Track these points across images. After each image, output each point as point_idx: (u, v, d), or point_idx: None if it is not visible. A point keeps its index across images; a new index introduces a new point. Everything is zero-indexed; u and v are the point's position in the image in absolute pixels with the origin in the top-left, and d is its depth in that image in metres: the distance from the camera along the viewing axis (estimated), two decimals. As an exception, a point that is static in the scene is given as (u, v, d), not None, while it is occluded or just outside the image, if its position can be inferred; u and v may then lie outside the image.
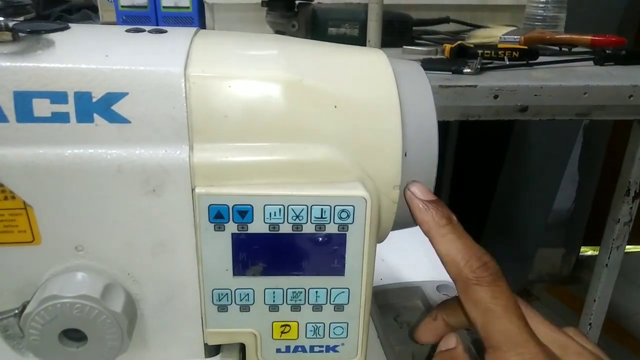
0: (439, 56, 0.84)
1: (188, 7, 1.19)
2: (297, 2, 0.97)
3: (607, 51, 0.84)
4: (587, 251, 1.90)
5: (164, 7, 1.20)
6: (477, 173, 1.54)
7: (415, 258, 0.48)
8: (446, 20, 1.08)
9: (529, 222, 1.63)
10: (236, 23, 1.17)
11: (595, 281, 0.90)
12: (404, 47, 0.88)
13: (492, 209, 1.62)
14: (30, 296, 0.24)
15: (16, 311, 0.24)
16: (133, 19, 1.20)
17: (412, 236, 0.43)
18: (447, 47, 0.82)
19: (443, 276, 0.46)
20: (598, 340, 1.00)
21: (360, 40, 0.99)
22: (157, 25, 1.22)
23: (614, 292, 0.94)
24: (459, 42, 0.84)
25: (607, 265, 0.87)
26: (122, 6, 1.19)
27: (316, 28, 0.98)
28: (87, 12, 1.34)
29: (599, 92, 0.69)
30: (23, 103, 0.22)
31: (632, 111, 0.73)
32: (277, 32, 1.01)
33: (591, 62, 0.83)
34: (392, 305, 0.44)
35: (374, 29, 0.58)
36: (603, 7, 1.24)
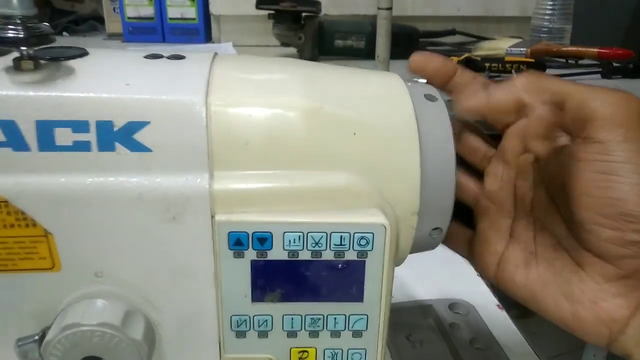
0: (446, 69, 0.84)
1: (194, 19, 1.20)
2: (303, 14, 0.98)
3: (615, 64, 0.85)
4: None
5: (170, 18, 1.21)
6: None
7: (426, 276, 0.48)
8: (452, 32, 1.09)
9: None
10: (242, 35, 1.17)
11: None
12: (411, 60, 0.88)
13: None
14: (50, 322, 0.24)
15: (36, 337, 0.24)
16: (139, 30, 1.21)
17: (424, 253, 0.43)
18: (455, 60, 0.82)
19: (454, 294, 0.46)
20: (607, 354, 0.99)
21: (366, 52, 1.00)
22: (164, 35, 1.23)
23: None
24: (466, 54, 0.85)
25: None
26: (129, 17, 1.20)
27: (323, 40, 0.99)
28: (94, 24, 1.35)
29: (607, 106, 0.69)
30: (45, 132, 0.22)
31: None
32: (284, 44, 1.01)
33: (599, 75, 0.83)
34: (404, 324, 0.44)
35: (382, 44, 0.58)
36: (608, 18, 1.24)
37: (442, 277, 0.48)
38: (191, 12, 1.19)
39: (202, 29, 1.20)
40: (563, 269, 0.26)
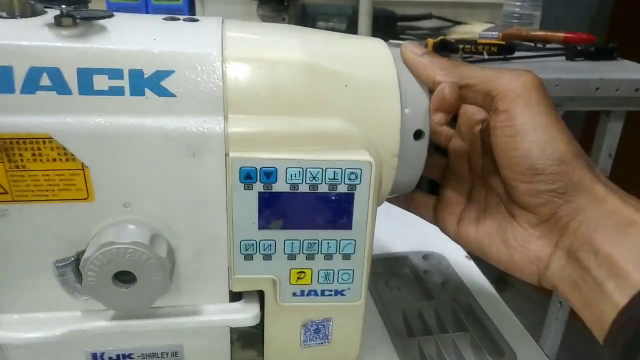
0: (422, 50, 0.89)
1: (178, 0, 1.21)
2: (287, -4, 1.01)
3: (578, 47, 0.91)
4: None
5: (154, -1, 1.22)
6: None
7: (403, 231, 0.53)
8: (429, 16, 1.13)
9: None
10: (226, 16, 1.19)
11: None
12: (390, 41, 0.93)
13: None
14: (83, 247, 0.28)
15: (72, 259, 0.28)
16: (123, 10, 1.22)
17: (399, 209, 0.48)
18: (430, 41, 0.87)
19: (428, 247, 0.52)
20: (567, 318, 1.07)
21: (347, 33, 1.04)
22: (148, 16, 1.25)
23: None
24: (441, 37, 0.89)
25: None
26: (113, -3, 1.21)
27: (305, 22, 1.02)
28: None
29: (569, 84, 0.75)
30: (85, 78, 0.25)
31: (599, 103, 0.79)
32: (268, 25, 1.05)
33: (563, 58, 0.89)
34: (383, 274, 0.49)
35: (364, 23, 0.62)
36: (576, 5, 1.30)
37: (417, 233, 0.53)
38: (175, -7, 1.21)
39: (186, 10, 1.22)
40: (502, 221, 0.31)
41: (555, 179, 0.28)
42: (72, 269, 0.28)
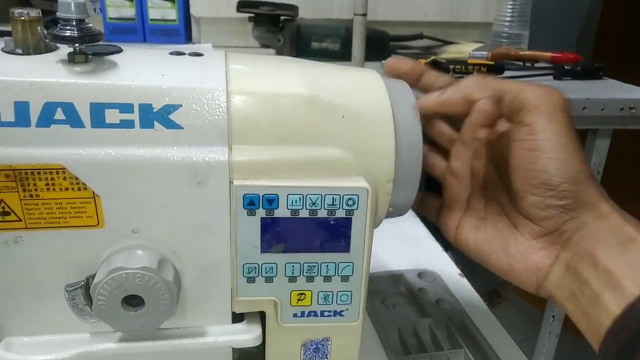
0: (414, 70, 0.91)
1: (175, 20, 1.24)
2: (282, 18, 1.03)
3: (566, 67, 0.93)
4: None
5: (151, 19, 1.25)
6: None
7: (398, 250, 0.55)
8: (420, 36, 1.16)
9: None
10: (222, 36, 1.22)
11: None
12: (383, 62, 0.95)
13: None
14: (92, 271, 0.29)
15: (82, 283, 0.29)
16: (120, 30, 1.24)
17: (395, 229, 0.49)
18: (422, 62, 0.90)
19: (422, 265, 0.53)
20: (560, 332, 1.08)
21: (340, 53, 1.06)
22: (145, 36, 1.27)
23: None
24: (433, 57, 0.92)
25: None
26: (110, 18, 1.23)
27: (300, 42, 1.05)
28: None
29: (557, 104, 0.77)
30: (97, 112, 0.27)
31: (586, 121, 0.82)
32: (263, 45, 1.07)
33: (551, 77, 0.92)
34: (378, 291, 0.50)
35: (358, 46, 0.64)
36: (562, 25, 1.34)
37: (411, 251, 0.54)
38: (172, 14, 1.23)
39: (182, 30, 1.24)
40: (503, 230, 0.33)
41: (566, 195, 0.29)
42: (82, 293, 0.29)
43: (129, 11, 1.24)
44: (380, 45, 1.08)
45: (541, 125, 0.30)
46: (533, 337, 1.20)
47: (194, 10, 1.20)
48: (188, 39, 1.26)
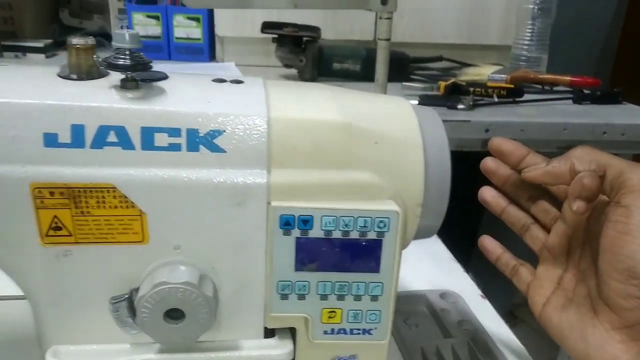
0: (434, 92, 0.93)
1: (199, 39, 1.27)
2: (304, 39, 1.06)
3: (585, 91, 0.94)
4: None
5: (176, 38, 1.29)
6: (467, 200, 1.63)
7: (420, 271, 0.56)
8: (439, 58, 1.18)
9: (515, 247, 1.71)
10: (245, 55, 1.25)
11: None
12: (403, 83, 0.97)
13: (480, 234, 1.70)
14: (136, 285, 0.31)
15: (126, 296, 0.31)
16: (146, 48, 1.27)
17: (418, 248, 0.50)
18: (442, 84, 0.91)
19: (444, 286, 0.54)
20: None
21: (361, 74, 1.09)
22: (170, 54, 1.30)
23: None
24: (453, 80, 0.93)
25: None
26: (137, 36, 1.26)
27: (322, 63, 1.07)
28: (101, 40, 1.41)
29: (576, 128, 0.79)
30: (147, 136, 0.29)
31: (606, 146, 0.82)
32: (286, 65, 1.10)
33: (570, 101, 0.92)
34: (401, 311, 0.51)
35: (381, 70, 0.66)
36: (581, 49, 1.35)
37: (434, 272, 0.55)
38: (197, 33, 1.27)
39: (206, 49, 1.28)
40: (585, 314, 0.32)
41: None
42: (126, 305, 0.31)
43: (155, 29, 1.28)
44: (400, 67, 1.10)
45: (637, 209, 0.28)
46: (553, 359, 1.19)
47: (219, 30, 1.24)
48: (212, 58, 1.29)
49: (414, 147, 0.32)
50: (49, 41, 1.30)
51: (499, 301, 0.56)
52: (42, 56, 1.25)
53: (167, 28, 1.28)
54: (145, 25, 1.28)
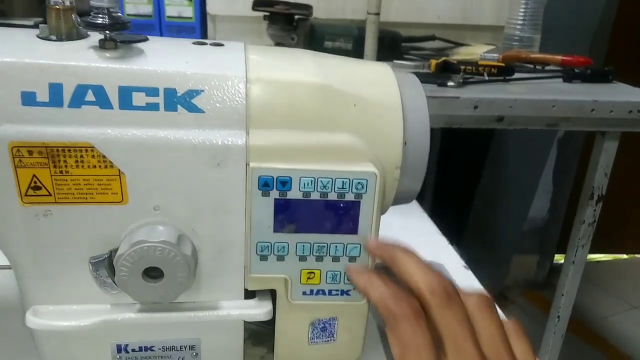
0: (425, 70, 0.92)
1: (191, 18, 1.26)
2: (296, 17, 1.05)
3: (576, 70, 0.94)
4: (561, 259, 2.00)
5: (167, 16, 1.27)
6: (458, 183, 1.64)
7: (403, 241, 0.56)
8: (432, 38, 1.18)
9: (506, 229, 1.73)
10: (236, 34, 1.25)
11: (563, 278, 0.99)
12: (394, 61, 0.97)
13: (471, 217, 1.72)
14: (115, 245, 0.31)
15: (105, 255, 0.31)
16: (137, 27, 1.27)
17: (403, 221, 0.51)
18: (433, 62, 0.91)
19: (428, 257, 0.54)
20: (565, 338, 1.09)
21: (353, 53, 1.08)
22: (161, 33, 1.29)
23: (584, 297, 1.04)
24: (444, 58, 0.93)
25: (573, 262, 0.96)
26: (128, 14, 1.25)
27: (314, 41, 1.06)
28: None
29: (565, 105, 0.79)
30: (125, 95, 0.29)
31: (594, 123, 0.83)
32: (277, 44, 1.09)
33: (560, 80, 0.92)
34: (385, 280, 0.51)
35: (370, 45, 0.66)
36: (576, 29, 1.35)
37: (417, 244, 0.56)
38: (188, 12, 1.26)
39: (198, 28, 1.27)
40: None
41: None
42: (105, 265, 0.31)
43: (147, 8, 1.27)
44: (392, 46, 1.09)
45: None
46: (538, 339, 1.21)
47: (210, 8, 1.22)
48: (203, 36, 1.28)
49: (393, 110, 0.32)
50: (39, 19, 1.28)
51: (490, 283, 0.57)
52: (32, 34, 1.24)
53: (159, 6, 1.26)
54: (136, 3, 1.27)
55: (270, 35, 1.07)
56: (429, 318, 0.28)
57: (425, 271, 0.29)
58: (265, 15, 1.05)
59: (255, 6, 1.04)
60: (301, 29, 1.05)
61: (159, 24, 1.28)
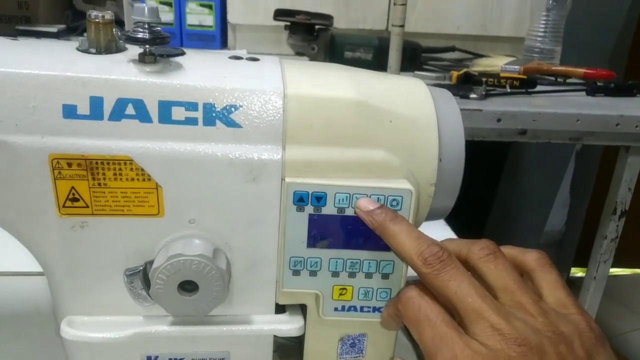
0: (447, 82, 0.92)
1: (211, 27, 1.27)
2: (317, 27, 1.06)
3: (598, 83, 0.93)
4: (577, 272, 1.97)
5: (188, 25, 1.29)
6: (475, 192, 1.63)
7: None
8: (452, 49, 1.17)
9: (522, 242, 1.71)
10: (256, 43, 1.25)
11: (584, 293, 0.98)
12: (415, 72, 0.97)
13: (487, 230, 1.70)
14: (150, 257, 0.31)
15: (141, 268, 0.31)
16: (158, 35, 1.28)
17: (426, 233, 0.50)
18: (455, 74, 0.91)
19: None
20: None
21: (373, 63, 1.08)
22: (182, 41, 1.31)
23: (602, 312, 1.02)
24: (465, 70, 0.93)
25: (595, 278, 0.95)
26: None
27: (334, 52, 1.07)
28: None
29: (589, 120, 0.78)
30: (165, 109, 0.29)
31: (619, 138, 0.82)
32: (298, 53, 1.09)
33: (583, 93, 0.92)
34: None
35: (394, 57, 0.66)
36: (595, 41, 1.34)
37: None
38: (209, 20, 1.27)
39: (218, 36, 1.28)
40: None
41: None
42: (140, 277, 0.31)
43: (168, 16, 1.28)
44: (412, 56, 1.09)
45: None
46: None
47: (231, 17, 1.24)
48: (224, 45, 1.30)
49: (429, 127, 0.32)
50: (62, 26, 1.31)
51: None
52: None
53: (180, 15, 1.28)
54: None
55: (291, 45, 1.08)
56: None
57: (416, 237, 0.30)
58: (286, 25, 1.06)
59: (277, 16, 1.05)
60: (321, 39, 1.05)
61: (180, 32, 1.29)
